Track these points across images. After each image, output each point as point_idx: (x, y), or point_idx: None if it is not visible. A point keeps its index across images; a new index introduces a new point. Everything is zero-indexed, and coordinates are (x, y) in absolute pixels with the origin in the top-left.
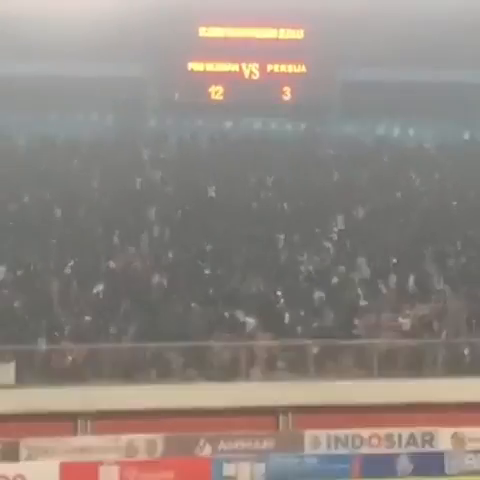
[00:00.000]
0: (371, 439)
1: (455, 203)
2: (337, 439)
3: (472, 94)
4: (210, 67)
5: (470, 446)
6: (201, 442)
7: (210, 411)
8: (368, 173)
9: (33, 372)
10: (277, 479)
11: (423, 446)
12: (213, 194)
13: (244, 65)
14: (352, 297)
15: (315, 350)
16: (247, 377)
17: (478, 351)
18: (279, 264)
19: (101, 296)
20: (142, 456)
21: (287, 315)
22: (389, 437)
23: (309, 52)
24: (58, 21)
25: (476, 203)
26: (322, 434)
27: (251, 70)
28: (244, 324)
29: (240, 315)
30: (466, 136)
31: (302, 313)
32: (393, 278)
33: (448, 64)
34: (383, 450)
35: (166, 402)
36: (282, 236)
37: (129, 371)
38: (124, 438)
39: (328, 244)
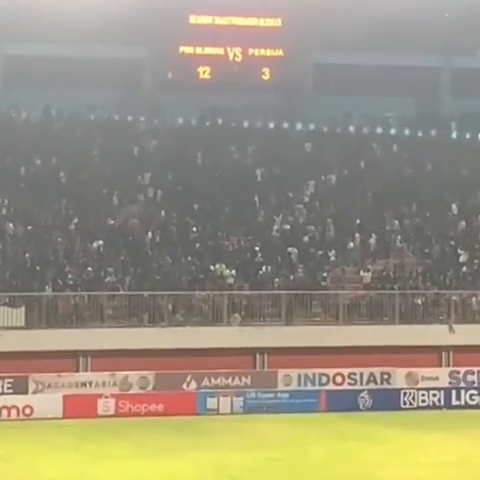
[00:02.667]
0: (336, 377)
1: (411, 171)
2: (306, 377)
3: (426, 75)
4: (199, 50)
5: (422, 384)
6: (187, 378)
7: (195, 351)
8: (336, 144)
9: (40, 316)
10: (253, 411)
11: (381, 384)
12: (200, 161)
13: (229, 49)
14: (321, 253)
15: (288, 299)
16: (227, 322)
17: (429, 301)
18: (257, 223)
19: (101, 250)
20: (135, 390)
21: (263, 268)
22: (352, 375)
23: (286, 38)
24: (68, 9)
25: (429, 171)
26: (293, 372)
27: (235, 53)
28: (226, 276)
29: (222, 268)
30: (421, 112)
31: (277, 267)
32: (357, 237)
33: (406, 49)
34: (346, 387)
35: (157, 343)
36: (260, 199)
37: (124, 316)
38: (119, 374)
39: (300, 206)
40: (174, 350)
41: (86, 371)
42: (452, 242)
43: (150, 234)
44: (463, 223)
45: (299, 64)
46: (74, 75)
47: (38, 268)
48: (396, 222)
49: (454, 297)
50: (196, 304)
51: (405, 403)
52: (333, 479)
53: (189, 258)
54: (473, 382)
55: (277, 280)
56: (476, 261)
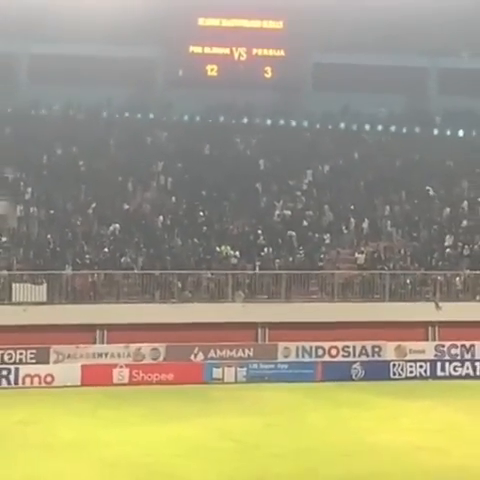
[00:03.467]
0: (331, 350)
1: (400, 162)
2: (304, 349)
3: (415, 74)
4: (207, 50)
5: (410, 356)
6: (195, 350)
7: (202, 325)
8: (332, 137)
9: (61, 292)
10: (255, 381)
11: (373, 356)
12: (207, 152)
13: (234, 49)
14: (318, 236)
15: (287, 278)
16: (232, 299)
17: (417, 280)
18: (259, 209)
19: (117, 232)
20: (147, 361)
21: (265, 250)
22: (345, 348)
23: (287, 39)
24: (87, 12)
25: (417, 162)
26: (292, 345)
27: (240, 53)
28: (230, 257)
29: (227, 249)
30: (410, 108)
31: (277, 249)
32: (351, 221)
33: (397, 51)
34: (340, 359)
35: (167, 318)
36: (262, 186)
37: (138, 292)
38: (133, 346)
39: (299, 193)
40: (183, 324)
41: (102, 343)
42: (437, 227)
43: (161, 218)
44: (448, 210)
45: (299, 63)
46: (92, 72)
47: (59, 249)
48: (387, 208)
49: (439, 277)
50: (203, 282)
51: (394, 374)
52: (327, 443)
53: (197, 240)
54: (456, 355)
55: (278, 261)
56: (460, 244)
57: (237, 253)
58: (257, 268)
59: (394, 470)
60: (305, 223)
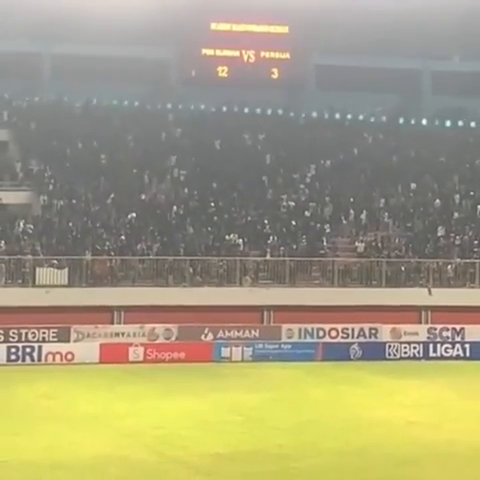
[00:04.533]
0: (331, 332)
1: (396, 158)
2: (306, 331)
3: (410, 75)
4: (218, 52)
5: (404, 338)
6: (205, 331)
7: (212, 308)
8: (334, 134)
9: (81, 276)
10: (260, 359)
11: (370, 337)
12: (218, 147)
13: (243, 51)
14: (320, 226)
15: (291, 265)
16: (240, 284)
17: (411, 268)
18: (266, 200)
19: (133, 221)
20: (161, 340)
21: (271, 238)
22: (344, 330)
23: (292, 43)
24: (107, 16)
25: (412, 158)
26: (295, 327)
27: (249, 55)
28: (238, 244)
29: (235, 237)
30: (405, 107)
31: (282, 237)
32: (350, 213)
33: (393, 54)
34: (340, 340)
35: (179, 300)
36: (269, 179)
37: (152, 277)
38: (148, 326)
39: (303, 186)
40: (194, 306)
41: (119, 323)
42: (430, 218)
43: (175, 208)
44: (440, 202)
45: (303, 65)
46: (112, 71)
47: (80, 236)
48: (383, 200)
49: (432, 265)
50: (213, 268)
51: (389, 354)
52: (326, 417)
53: (207, 229)
54: (448, 337)
55: (282, 248)
56: (451, 234)
57: (245, 241)
58: (268, 255)
59: (388, 443)
60: (308, 214)
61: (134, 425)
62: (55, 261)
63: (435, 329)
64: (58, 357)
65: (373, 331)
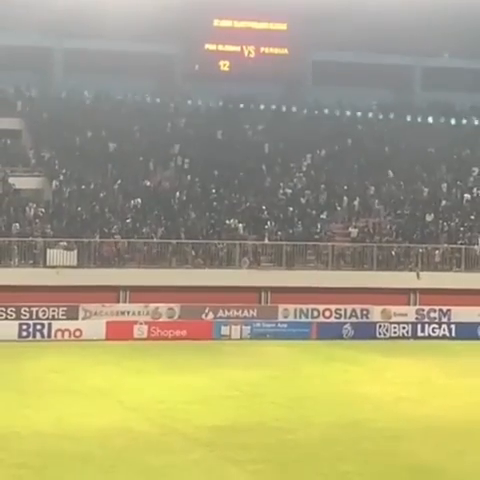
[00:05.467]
0: (325, 312)
1: (388, 148)
2: (301, 311)
3: (402, 71)
4: (220, 47)
5: (394, 319)
6: (206, 310)
7: (213, 288)
8: (329, 125)
9: (89, 257)
10: (258, 338)
11: (361, 318)
12: (220, 137)
13: (244, 47)
14: (315, 212)
15: (288, 249)
16: (239, 266)
17: (401, 252)
18: (264, 187)
19: (139, 206)
20: (164, 319)
21: (269, 223)
22: (338, 311)
23: (290, 39)
24: (116, 13)
25: (402, 149)
26: (291, 307)
27: (249, 51)
28: (238, 229)
29: (235, 222)
30: (397, 101)
31: (280, 222)
32: (344, 200)
33: (386, 50)
34: (333, 320)
35: (182, 281)
36: (267, 168)
37: (156, 259)
38: (152, 306)
39: (299, 174)
40: (195, 287)
41: (125, 302)
42: (419, 206)
43: (178, 194)
44: (429, 190)
45: (301, 61)
46: (120, 65)
47: (88, 220)
48: (375, 188)
49: (421, 250)
50: (214, 251)
51: (380, 334)
52: (320, 393)
53: (209, 214)
54: (435, 318)
55: (280, 233)
56: (440, 221)
57: (244, 226)
58: (266, 239)
59: (379, 417)
60: (304, 201)
61: (138, 399)
62: (65, 243)
63: (423, 310)
64: (67, 334)
65: (365, 312)
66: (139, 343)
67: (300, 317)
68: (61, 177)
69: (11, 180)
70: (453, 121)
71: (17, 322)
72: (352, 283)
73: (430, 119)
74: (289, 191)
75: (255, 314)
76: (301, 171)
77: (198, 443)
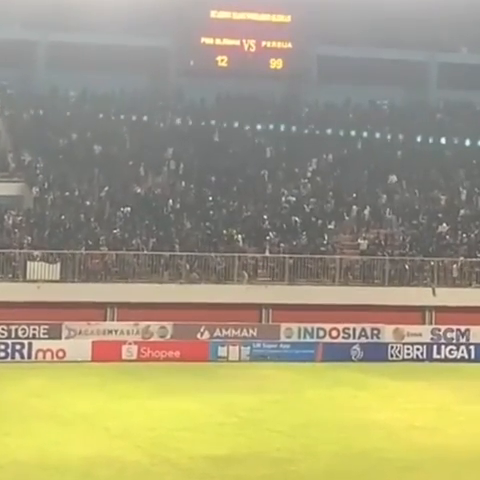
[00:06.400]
0: (332, 331)
1: (400, 152)
2: (305, 330)
3: (416, 68)
4: (218, 41)
5: (407, 339)
6: (201, 329)
7: (209, 305)
8: (336, 127)
9: (74, 271)
10: (258, 359)
11: (372, 338)
12: (217, 139)
13: (244, 40)
14: (321, 222)
15: (291, 262)
16: (237, 281)
17: (415, 266)
18: (266, 195)
19: (128, 215)
20: (155, 338)
21: (270, 234)
22: (346, 330)
23: (294, 32)
24: (104, 3)
25: (417, 152)
26: (294, 326)
27: (249, 45)
28: (237, 240)
29: (234, 233)
30: (411, 100)
31: (282, 233)
32: (353, 208)
33: (398, 45)
34: (341, 340)
35: (175, 297)
36: (269, 173)
37: (147, 273)
38: (142, 324)
39: (304, 181)
40: (190, 304)
41: (113, 320)
42: (435, 215)
43: (171, 202)
44: (446, 199)
45: (305, 55)
46: (108, 60)
47: (73, 230)
48: (387, 196)
49: (436, 263)
50: (210, 264)
51: (392, 355)
52: (325, 420)
53: (205, 224)
54: (452, 339)
55: (282, 245)
56: (458, 232)
57: (243, 237)
58: (267, 251)
59: (389, 447)
60: (309, 209)
61: (126, 426)
62: (47, 255)
63: (439, 330)
64: (49, 354)
65: (375, 331)
66: (128, 365)
67: (304, 337)
68: (43, 183)
69: None
70: (472, 123)
71: None
72: (361, 300)
73: (447, 120)
74: (293, 199)
75: (255, 334)
76: (306, 177)
77: (192, 475)
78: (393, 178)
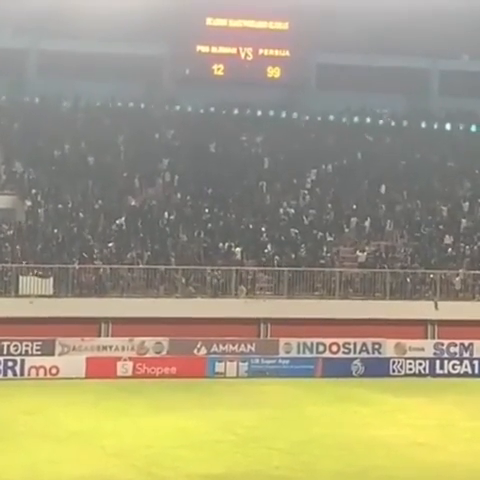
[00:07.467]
0: (332, 346)
1: (403, 162)
2: (305, 345)
3: (416, 75)
4: (214, 49)
5: (409, 354)
6: (198, 344)
7: (206, 320)
8: (335, 136)
9: (67, 286)
10: (257, 375)
11: (373, 353)
12: (213, 149)
13: (241, 48)
14: (321, 234)
15: (290, 275)
16: (235, 294)
17: (417, 279)
18: (264, 206)
19: (123, 227)
20: (151, 354)
21: (268, 247)
22: (346, 345)
23: (292, 40)
24: (98, 10)
25: (419, 162)
26: (293, 341)
27: (246, 53)
28: (234, 253)
29: (231, 246)
30: (411, 108)
31: (280, 246)
32: (353, 220)
33: (399, 52)
34: (341, 355)
35: (171, 312)
36: (267, 184)
37: (142, 287)
38: (137, 339)
39: (303, 191)
40: (186, 319)
41: (107, 336)
42: (437, 227)
43: (167, 214)
44: (448, 210)
45: (304, 63)
46: (102, 69)
47: (66, 243)
48: (387, 207)
49: (438, 276)
50: (207, 278)
51: (394, 371)
52: (326, 437)
53: (201, 236)
54: (455, 353)
55: (281, 258)
56: (461, 244)
57: (241, 249)
58: (260, 265)
59: (390, 465)
60: (308, 221)
61: (121, 444)
62: (40, 269)
63: (442, 344)
64: (42, 371)
65: (376, 346)
66: (123, 381)
67: (304, 352)
68: (35, 195)
69: None
70: (474, 129)
71: None
72: (362, 314)
73: (448, 128)
74: (291, 210)
75: (253, 349)
76: (305, 188)
77: None
78: (383, 188)
